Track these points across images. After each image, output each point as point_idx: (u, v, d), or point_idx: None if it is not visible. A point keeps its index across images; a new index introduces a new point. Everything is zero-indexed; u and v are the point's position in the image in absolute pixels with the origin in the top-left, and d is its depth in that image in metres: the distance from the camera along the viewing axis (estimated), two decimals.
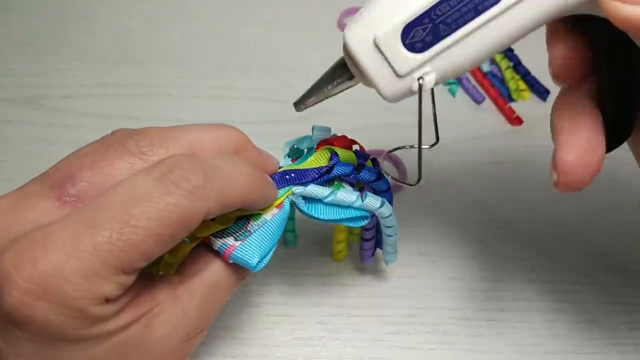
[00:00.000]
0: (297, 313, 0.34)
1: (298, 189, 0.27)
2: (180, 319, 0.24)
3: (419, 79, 0.22)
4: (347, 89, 0.25)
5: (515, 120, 0.45)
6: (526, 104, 0.46)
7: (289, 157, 0.29)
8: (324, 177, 0.28)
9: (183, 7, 0.53)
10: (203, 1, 0.54)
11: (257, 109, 0.45)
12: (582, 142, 0.23)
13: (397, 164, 0.41)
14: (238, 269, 0.26)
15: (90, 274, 0.19)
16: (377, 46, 0.22)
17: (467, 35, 0.21)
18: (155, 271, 0.26)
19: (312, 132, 0.30)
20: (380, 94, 0.23)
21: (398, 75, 0.22)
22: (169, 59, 0.49)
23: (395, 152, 0.42)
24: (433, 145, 0.23)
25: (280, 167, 0.28)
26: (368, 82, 0.23)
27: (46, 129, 0.43)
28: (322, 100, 0.25)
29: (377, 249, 0.33)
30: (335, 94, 0.25)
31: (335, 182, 0.29)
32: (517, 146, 0.43)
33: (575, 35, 0.23)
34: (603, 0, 0.19)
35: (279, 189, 0.27)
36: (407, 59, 0.21)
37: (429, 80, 0.22)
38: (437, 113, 0.24)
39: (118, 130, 0.24)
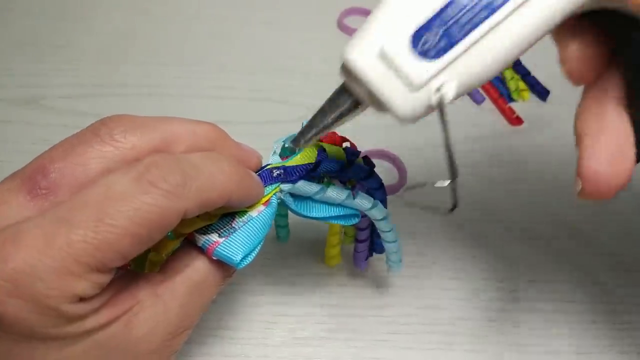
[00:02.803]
0: (297, 313, 0.34)
1: (286, 186, 0.26)
2: (161, 318, 0.23)
3: (437, 90, 0.19)
4: (352, 119, 0.22)
5: (515, 120, 0.45)
6: (526, 104, 0.46)
7: (279, 156, 0.29)
8: (312, 173, 0.27)
9: (183, 7, 0.53)
10: (203, 1, 0.54)
11: (257, 109, 0.45)
12: (610, 148, 0.21)
13: (397, 164, 0.41)
14: (223, 267, 0.25)
15: (63, 272, 0.19)
16: (384, 58, 0.19)
17: (483, 36, 0.19)
18: (141, 270, 0.26)
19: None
20: (395, 114, 0.20)
21: (413, 89, 0.19)
22: (169, 59, 0.49)
23: (397, 155, 0.42)
24: (452, 209, 0.20)
25: (268, 165, 0.28)
26: (378, 103, 0.21)
27: (46, 129, 0.43)
28: (322, 134, 0.23)
29: (375, 253, 0.33)
30: (339, 126, 0.22)
31: (325, 180, 0.28)
32: (517, 146, 0.43)
33: (586, 30, 0.21)
34: None
35: (266, 186, 0.26)
36: (420, 68, 0.19)
37: (449, 89, 0.19)
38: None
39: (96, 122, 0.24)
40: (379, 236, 0.30)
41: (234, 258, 0.24)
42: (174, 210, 0.21)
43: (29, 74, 0.47)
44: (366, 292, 0.35)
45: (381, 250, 0.31)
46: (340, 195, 0.27)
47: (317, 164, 0.27)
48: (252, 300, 0.34)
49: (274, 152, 0.29)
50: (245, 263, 0.25)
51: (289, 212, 0.32)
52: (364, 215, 0.29)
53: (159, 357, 0.24)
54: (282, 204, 0.27)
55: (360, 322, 0.33)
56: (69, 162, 0.22)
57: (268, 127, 0.44)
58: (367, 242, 0.32)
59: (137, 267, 0.26)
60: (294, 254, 0.36)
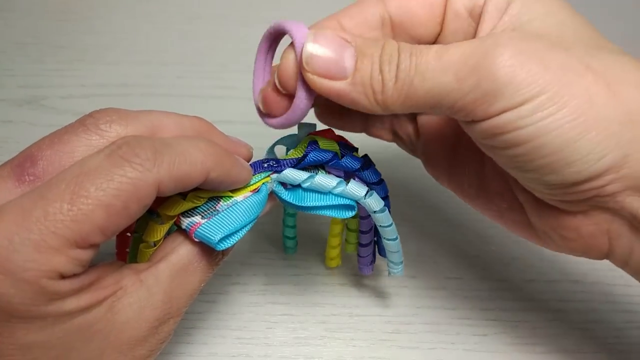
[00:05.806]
0: (298, 312, 0.34)
1: (276, 175, 0.26)
2: (146, 302, 0.23)
3: None
4: None
5: None
6: None
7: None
8: (302, 163, 0.27)
9: (184, 7, 0.54)
10: (204, 1, 0.54)
11: None
12: None
13: None
14: (208, 253, 0.25)
15: (41, 245, 0.20)
16: None
17: None
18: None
19: (298, 129, 0.29)
20: None
21: None
22: (169, 59, 0.49)
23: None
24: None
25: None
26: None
27: (47, 129, 0.42)
28: None
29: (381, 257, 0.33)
30: None
31: (319, 171, 0.27)
32: None
33: None
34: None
35: (255, 175, 0.26)
36: None
37: None
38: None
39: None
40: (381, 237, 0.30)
41: (212, 238, 0.24)
42: (145, 182, 0.21)
43: (30, 74, 0.47)
44: (367, 292, 0.35)
45: (385, 253, 0.30)
46: (331, 182, 0.26)
47: (305, 154, 0.27)
48: (253, 300, 0.34)
49: (269, 151, 0.29)
50: (225, 245, 0.24)
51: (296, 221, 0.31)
52: (368, 216, 0.29)
53: (145, 347, 0.24)
54: (285, 209, 0.27)
55: (361, 322, 0.33)
56: (56, 150, 0.23)
57: (268, 127, 0.44)
58: (370, 246, 0.32)
59: (132, 261, 0.26)
60: (295, 254, 0.36)
